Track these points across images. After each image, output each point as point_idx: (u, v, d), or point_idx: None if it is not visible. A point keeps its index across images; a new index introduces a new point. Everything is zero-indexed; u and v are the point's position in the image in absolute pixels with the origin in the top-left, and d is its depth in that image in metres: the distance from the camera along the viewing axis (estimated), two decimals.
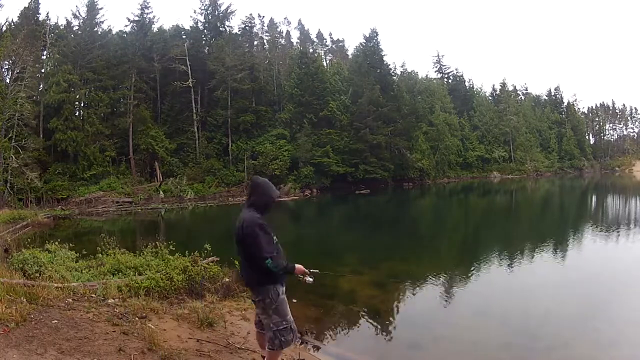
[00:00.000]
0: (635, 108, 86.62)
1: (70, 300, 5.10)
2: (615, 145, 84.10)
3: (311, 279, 3.56)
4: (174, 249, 7.67)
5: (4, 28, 32.50)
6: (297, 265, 3.53)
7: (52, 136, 32.39)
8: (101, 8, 38.47)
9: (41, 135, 32.28)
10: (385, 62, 47.10)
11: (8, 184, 26.43)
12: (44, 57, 35.81)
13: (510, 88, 69.68)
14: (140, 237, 10.69)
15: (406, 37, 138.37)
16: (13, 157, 26.94)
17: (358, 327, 6.34)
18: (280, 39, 58.35)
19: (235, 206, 29.88)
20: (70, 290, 5.47)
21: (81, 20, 38.33)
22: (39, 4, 38.26)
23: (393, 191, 39.75)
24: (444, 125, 52.48)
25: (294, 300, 6.93)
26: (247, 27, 48.38)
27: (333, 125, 41.07)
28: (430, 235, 17.15)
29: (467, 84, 66.42)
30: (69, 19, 39.71)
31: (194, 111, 40.02)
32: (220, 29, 45.49)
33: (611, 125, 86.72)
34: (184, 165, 37.74)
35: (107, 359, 3.60)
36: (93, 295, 5.48)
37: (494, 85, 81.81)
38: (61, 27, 38.57)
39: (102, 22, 38.91)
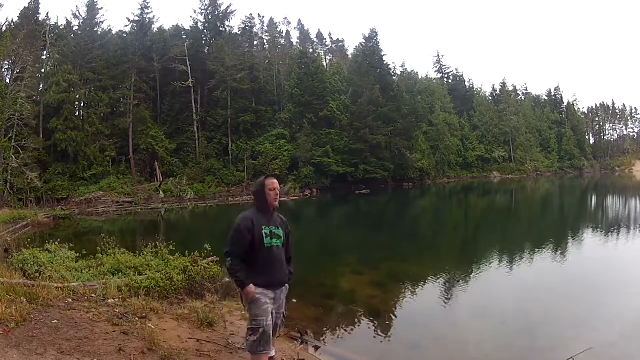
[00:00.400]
0: (635, 108, 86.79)
1: (70, 300, 5.10)
2: (615, 145, 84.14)
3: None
4: (174, 249, 7.66)
5: (4, 28, 32.51)
6: (248, 289, 3.25)
7: (52, 136, 32.41)
8: (101, 8, 38.65)
9: (41, 135, 32.30)
10: (385, 62, 47.19)
11: (8, 184, 26.44)
12: (44, 57, 35.83)
13: (510, 88, 69.83)
14: (140, 237, 10.71)
15: (406, 37, 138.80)
16: (13, 157, 26.94)
17: (358, 327, 6.34)
18: (280, 39, 58.37)
19: (235, 206, 29.87)
20: (70, 290, 5.46)
21: (81, 20, 38.41)
22: (39, 4, 38.37)
23: (393, 191, 39.74)
24: (444, 125, 52.50)
25: (294, 301, 6.94)
26: (247, 27, 48.42)
27: (333, 125, 41.08)
28: (430, 235, 17.15)
29: (467, 84, 66.49)
30: (69, 19, 39.89)
31: (194, 111, 40.03)
32: (220, 29, 45.53)
33: (611, 125, 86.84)
34: (184, 165, 37.75)
35: (107, 359, 3.60)
36: (93, 295, 5.48)
37: (494, 85, 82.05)
38: (61, 27, 38.62)
39: (102, 22, 39.11)
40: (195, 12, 54.88)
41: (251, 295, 3.25)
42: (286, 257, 3.55)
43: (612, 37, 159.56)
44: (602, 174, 64.74)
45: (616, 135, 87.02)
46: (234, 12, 47.90)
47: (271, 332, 3.33)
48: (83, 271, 6.99)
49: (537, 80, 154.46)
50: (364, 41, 47.46)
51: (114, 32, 40.45)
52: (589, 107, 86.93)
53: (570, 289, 8.05)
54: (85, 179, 32.65)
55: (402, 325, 6.39)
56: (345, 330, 6.22)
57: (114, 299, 5.38)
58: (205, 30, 45.38)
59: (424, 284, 8.70)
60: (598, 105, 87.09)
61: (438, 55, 66.49)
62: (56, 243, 8.60)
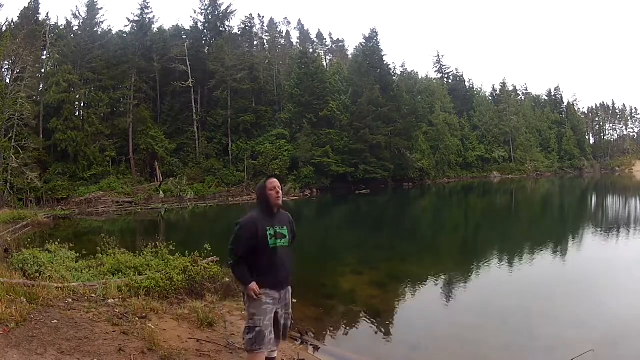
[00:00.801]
0: (635, 108, 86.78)
1: (70, 300, 5.10)
2: (615, 145, 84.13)
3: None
4: (174, 249, 7.67)
5: (4, 28, 32.52)
6: (250, 286, 3.27)
7: (52, 136, 32.39)
8: (101, 8, 38.59)
9: (41, 135, 32.29)
10: (385, 62, 47.16)
11: (8, 184, 26.43)
12: (44, 57, 35.82)
13: (510, 88, 69.80)
14: (140, 237, 10.71)
15: (406, 37, 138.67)
16: (13, 157, 26.94)
17: (358, 327, 6.34)
18: (280, 39, 58.39)
19: (235, 206, 29.88)
20: (70, 290, 5.47)
21: (81, 20, 38.38)
22: (39, 4, 38.37)
23: (393, 191, 39.75)
24: (444, 125, 52.49)
25: (294, 301, 6.94)
26: (247, 27, 48.41)
27: (333, 125, 41.07)
28: (430, 235, 17.15)
29: (467, 84, 66.47)
30: (69, 19, 39.86)
31: (194, 111, 40.02)
32: (220, 29, 45.51)
33: (611, 125, 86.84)
34: (184, 165, 37.74)
35: (107, 359, 3.60)
36: (93, 295, 5.48)
37: (494, 85, 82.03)
38: (61, 27, 38.60)
39: (102, 22, 39.04)
40: (195, 12, 54.93)
41: (254, 292, 3.26)
42: None
43: (612, 37, 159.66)
44: (602, 174, 64.74)
45: (616, 135, 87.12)
46: (234, 12, 47.91)
47: (267, 332, 3.33)
48: (83, 271, 7.00)
49: (537, 80, 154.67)
50: (364, 41, 47.47)
51: (114, 32, 40.47)
52: (589, 107, 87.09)
53: (571, 289, 8.04)
54: (85, 179, 32.65)
55: (402, 325, 6.40)
56: (345, 330, 6.23)
57: (114, 299, 5.39)
58: (205, 30, 45.37)
59: (424, 284, 8.70)
60: (598, 105, 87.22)
61: (438, 55, 66.57)
62: (56, 243, 8.61)
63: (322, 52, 61.59)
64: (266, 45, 53.51)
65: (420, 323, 6.59)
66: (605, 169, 71.72)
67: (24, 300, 4.55)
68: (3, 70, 31.12)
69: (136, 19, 41.15)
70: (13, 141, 27.14)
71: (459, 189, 41.88)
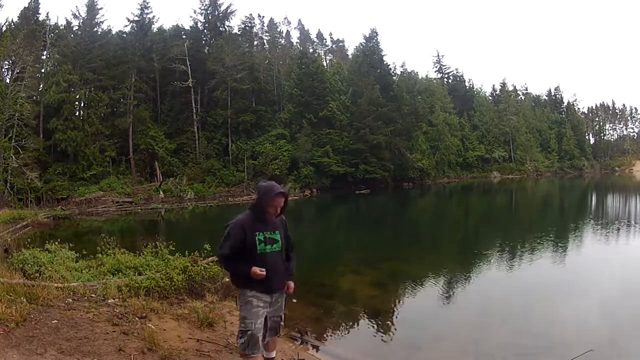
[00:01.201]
0: (635, 108, 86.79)
1: (70, 300, 5.10)
2: (615, 145, 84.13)
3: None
4: (174, 249, 7.66)
5: (4, 28, 32.50)
6: (252, 272, 3.22)
7: (52, 136, 32.39)
8: (101, 8, 38.51)
9: (41, 135, 32.28)
10: (385, 62, 47.16)
11: (8, 184, 26.44)
12: (44, 57, 35.82)
13: (510, 88, 69.86)
14: (140, 237, 10.70)
15: (406, 37, 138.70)
16: (13, 157, 26.94)
17: (358, 327, 6.34)
18: (280, 39, 58.38)
19: (235, 206, 29.86)
20: (70, 290, 5.46)
21: (81, 20, 38.36)
22: (39, 4, 38.40)
23: (393, 191, 39.76)
24: (444, 125, 52.50)
25: (294, 301, 6.94)
26: (247, 27, 48.39)
27: (333, 125, 41.07)
28: (430, 235, 17.15)
29: (467, 84, 66.45)
30: (69, 19, 39.89)
31: (194, 111, 40.01)
32: (220, 29, 45.50)
33: (611, 125, 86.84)
34: (184, 165, 37.74)
35: (107, 359, 3.60)
36: (93, 295, 5.48)
37: (494, 85, 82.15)
38: (61, 27, 38.60)
39: (102, 22, 38.94)
40: (195, 12, 54.74)
41: (258, 274, 3.20)
42: (286, 257, 3.53)
43: (612, 37, 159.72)
44: (602, 174, 64.74)
45: (616, 135, 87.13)
46: (234, 12, 47.88)
47: (260, 335, 3.30)
48: (83, 271, 6.99)
49: (537, 80, 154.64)
50: (364, 41, 47.50)
51: (113, 32, 40.45)
52: (589, 107, 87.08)
53: (571, 289, 8.05)
54: (85, 179, 32.64)
55: (402, 325, 6.39)
56: (345, 330, 6.22)
57: (114, 299, 5.38)
58: (205, 30, 45.35)
59: (424, 284, 8.70)
60: (598, 105, 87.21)
61: (438, 55, 66.55)
62: (56, 243, 8.60)
63: (322, 52, 61.59)
64: (266, 45, 53.52)
65: (420, 323, 6.59)
66: (605, 169, 71.72)
67: (24, 300, 4.54)
68: (3, 70, 31.14)
69: (136, 19, 41.17)
70: (13, 141, 27.14)
71: (459, 189, 41.89)
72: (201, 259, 7.21)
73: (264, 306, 3.33)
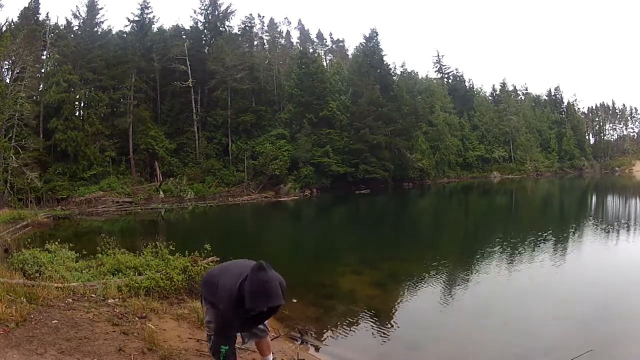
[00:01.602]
0: (635, 108, 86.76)
1: (70, 300, 5.10)
2: (615, 145, 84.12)
3: None
4: (174, 249, 7.67)
5: (4, 28, 32.51)
6: None
7: (52, 136, 32.38)
8: (101, 8, 38.45)
9: (41, 135, 32.28)
10: (385, 62, 47.11)
11: (8, 184, 26.44)
12: (44, 57, 35.81)
13: (510, 88, 69.82)
14: (140, 237, 10.70)
15: (406, 37, 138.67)
16: (13, 157, 26.94)
17: (358, 327, 6.34)
18: (280, 39, 58.37)
19: (235, 206, 29.91)
20: (70, 290, 5.47)
21: (81, 20, 38.33)
22: (39, 4, 38.34)
23: (393, 191, 39.75)
24: (444, 125, 52.49)
25: (294, 300, 6.95)
26: (247, 27, 48.37)
27: (333, 125, 41.06)
28: (430, 235, 17.15)
29: (467, 84, 66.44)
30: (69, 19, 39.78)
31: (194, 111, 40.01)
32: (220, 29, 45.49)
33: (611, 125, 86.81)
34: (184, 165, 37.75)
35: (107, 359, 3.60)
36: (93, 295, 5.48)
37: (494, 85, 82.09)
38: (61, 27, 38.56)
39: (102, 22, 38.87)
40: (195, 12, 54.71)
41: None
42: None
43: (612, 37, 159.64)
44: (602, 174, 64.75)
45: (616, 135, 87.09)
46: (234, 12, 47.91)
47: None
48: (83, 271, 6.99)
49: (537, 80, 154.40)
50: (364, 41, 47.45)
51: (114, 32, 40.40)
52: (589, 107, 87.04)
53: (570, 289, 8.05)
54: (85, 179, 32.63)
55: (402, 325, 6.39)
56: (345, 330, 6.22)
57: (114, 299, 5.39)
58: (205, 30, 45.34)
59: (424, 284, 8.69)
60: (598, 105, 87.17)
61: (438, 55, 66.51)
62: (56, 243, 8.60)
63: (322, 52, 61.57)
64: (266, 45, 53.50)
65: (420, 323, 6.59)
66: (605, 169, 71.72)
67: (24, 300, 4.55)
68: (3, 70, 31.12)
69: (136, 19, 41.13)
70: (13, 141, 27.14)
71: (459, 189, 41.88)
72: (201, 259, 7.22)
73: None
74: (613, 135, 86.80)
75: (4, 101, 26.20)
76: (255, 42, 51.31)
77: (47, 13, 59.56)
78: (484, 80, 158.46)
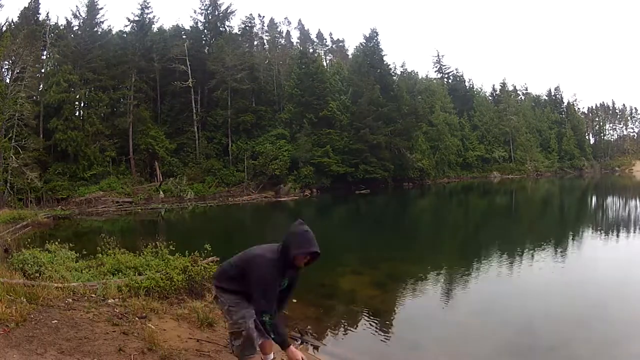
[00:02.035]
0: (635, 108, 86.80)
1: (70, 300, 5.10)
2: (615, 145, 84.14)
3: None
4: (174, 249, 7.65)
5: (4, 28, 32.49)
6: (290, 350, 3.04)
7: (52, 136, 32.39)
8: (101, 8, 38.51)
9: (41, 135, 32.28)
10: (385, 62, 47.13)
11: (8, 184, 26.44)
12: (44, 57, 35.82)
13: (510, 88, 69.85)
14: (140, 237, 10.70)
15: (406, 37, 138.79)
16: (13, 157, 26.94)
17: (358, 327, 6.34)
18: (280, 39, 58.36)
19: (235, 206, 29.90)
20: (70, 290, 5.46)
21: (81, 20, 38.36)
22: (39, 4, 38.36)
23: (393, 191, 39.75)
24: (444, 125, 52.50)
25: (294, 300, 6.94)
26: (247, 27, 48.42)
27: (333, 125, 41.07)
28: (430, 235, 17.14)
29: (467, 84, 66.49)
30: (69, 19, 39.78)
31: (194, 111, 40.03)
32: (220, 29, 45.51)
33: (611, 125, 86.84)
34: (184, 165, 37.76)
35: (107, 359, 3.60)
36: (93, 295, 5.47)
37: (494, 85, 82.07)
38: (61, 27, 38.56)
39: (102, 22, 38.94)
40: (195, 12, 54.88)
41: (298, 356, 3.04)
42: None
43: (612, 37, 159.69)
44: (602, 174, 64.74)
45: (616, 135, 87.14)
46: (234, 12, 47.94)
47: (255, 335, 3.16)
48: (83, 271, 6.98)
49: (537, 80, 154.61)
50: (364, 41, 47.46)
51: (114, 32, 40.43)
52: (589, 107, 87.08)
53: (570, 289, 8.05)
54: (85, 179, 32.65)
55: (402, 325, 6.39)
56: (345, 330, 6.22)
57: (114, 299, 5.38)
58: (205, 30, 45.37)
59: (424, 284, 8.69)
60: (598, 105, 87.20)
61: (438, 55, 66.56)
62: (56, 243, 8.59)
63: (322, 52, 61.59)
64: (266, 45, 53.50)
65: (420, 323, 6.59)
66: (605, 169, 71.72)
67: (24, 300, 4.54)
68: (3, 70, 31.14)
69: (136, 19, 41.15)
70: (13, 141, 27.14)
71: (459, 189, 41.87)
72: (201, 259, 7.21)
73: (249, 307, 3.20)
74: (613, 135, 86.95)
75: (4, 101, 26.19)
76: (255, 42, 51.35)
77: (47, 13, 59.47)
78: (484, 80, 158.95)
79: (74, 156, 32.89)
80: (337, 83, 46.17)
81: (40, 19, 37.61)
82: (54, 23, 38.15)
